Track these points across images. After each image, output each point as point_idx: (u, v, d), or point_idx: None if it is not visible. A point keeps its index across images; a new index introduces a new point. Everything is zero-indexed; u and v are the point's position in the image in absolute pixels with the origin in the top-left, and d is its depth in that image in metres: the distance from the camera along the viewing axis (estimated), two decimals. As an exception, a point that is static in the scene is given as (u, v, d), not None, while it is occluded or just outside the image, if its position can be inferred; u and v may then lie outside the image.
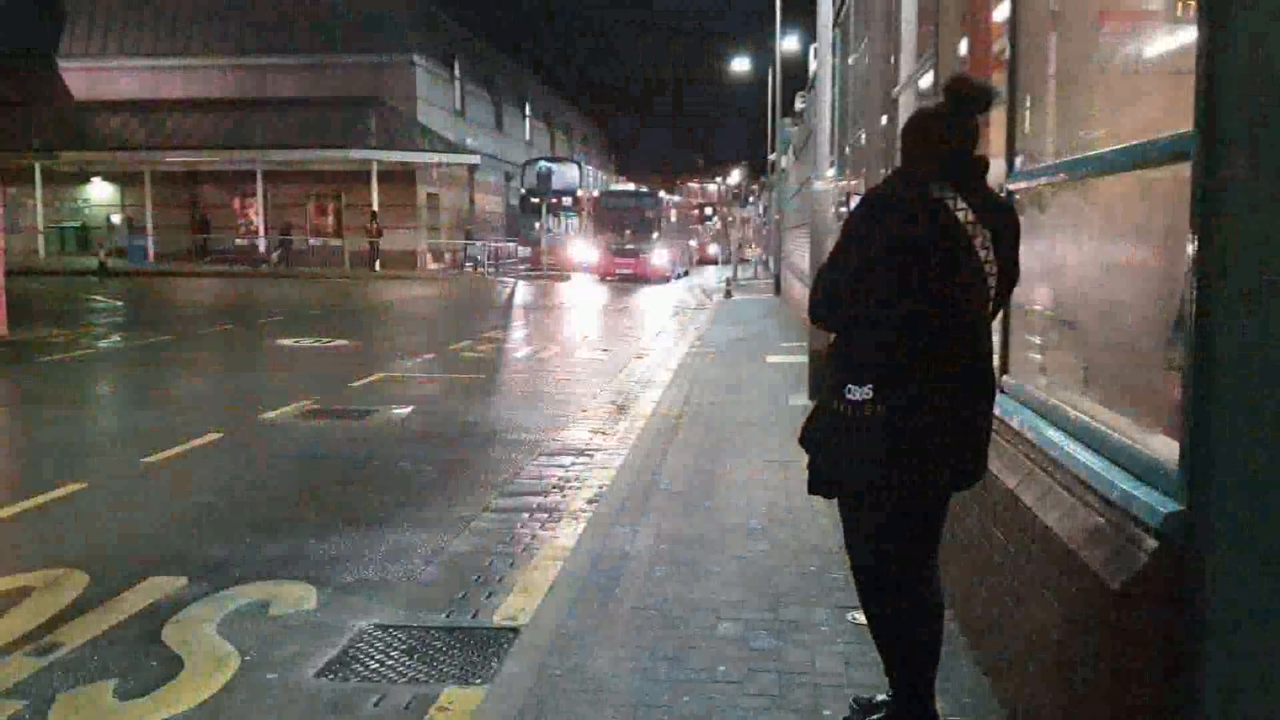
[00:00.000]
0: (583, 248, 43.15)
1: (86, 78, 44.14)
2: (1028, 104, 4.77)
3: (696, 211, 74.55)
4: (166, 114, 41.92)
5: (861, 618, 4.03)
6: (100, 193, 45.37)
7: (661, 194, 46.11)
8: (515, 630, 4.96)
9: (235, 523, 6.90)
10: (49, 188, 42.08)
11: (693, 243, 65.75)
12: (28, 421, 10.70)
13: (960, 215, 3.33)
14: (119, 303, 26.13)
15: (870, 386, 3.30)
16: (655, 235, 41.40)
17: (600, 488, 7.68)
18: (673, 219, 46.95)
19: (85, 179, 44.87)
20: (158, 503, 7.45)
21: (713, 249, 64.98)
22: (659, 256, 41.27)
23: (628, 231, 40.78)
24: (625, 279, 39.49)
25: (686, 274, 47.45)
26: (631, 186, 48.21)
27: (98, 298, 27.19)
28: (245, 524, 6.86)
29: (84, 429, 10.20)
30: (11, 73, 42.57)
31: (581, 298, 31.21)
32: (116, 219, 44.20)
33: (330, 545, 6.41)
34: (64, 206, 45.06)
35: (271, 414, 10.63)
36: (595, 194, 44.57)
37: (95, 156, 41.49)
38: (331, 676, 4.51)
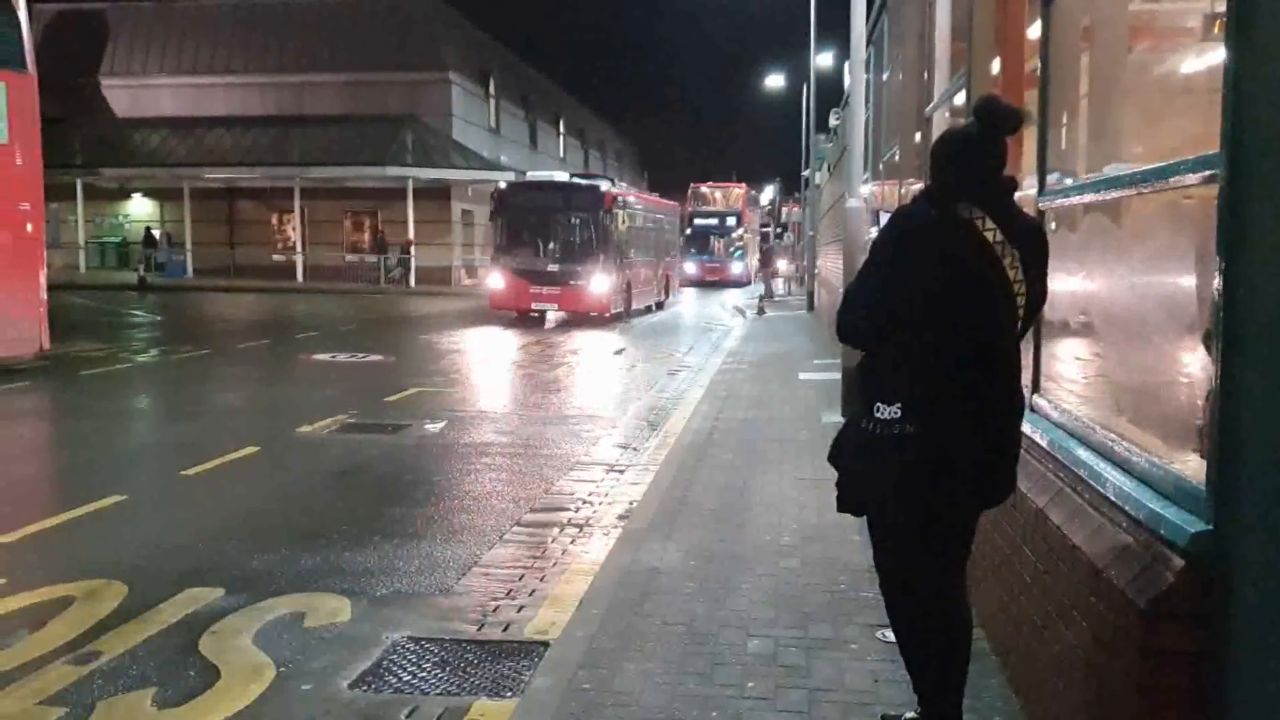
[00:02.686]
0: (495, 275, 26.36)
1: (128, 95, 44.79)
2: (1060, 122, 4.78)
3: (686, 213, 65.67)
4: (206, 131, 42.45)
5: (891, 635, 4.04)
6: (140, 208, 46.01)
7: (605, 185, 27.59)
8: (545, 644, 5.00)
9: (271, 535, 6.98)
10: (90, 203, 42.72)
11: (683, 261, 53.55)
12: (69, 434, 10.85)
13: (989, 235, 3.36)
14: (158, 317, 26.46)
15: (899, 405, 3.33)
16: (597, 250, 25.87)
17: (630, 503, 7.71)
18: (639, 224, 30.55)
19: (126, 195, 45.55)
20: (195, 515, 7.54)
21: (736, 267, 54.55)
22: (597, 282, 25.48)
23: (551, 244, 25.99)
24: (532, 323, 25.56)
25: (659, 306, 32.98)
26: (560, 175, 29.31)
27: (137, 312, 27.54)
28: (281, 536, 6.94)
29: (124, 442, 10.34)
30: (55, 90, 43.24)
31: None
32: (156, 234, 44.76)
33: (364, 558, 6.48)
34: (105, 222, 45.75)
35: (307, 428, 10.74)
36: (501, 184, 27.96)
37: (136, 173, 42.07)
38: (365, 688, 4.56)
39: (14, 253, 14.27)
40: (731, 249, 55.18)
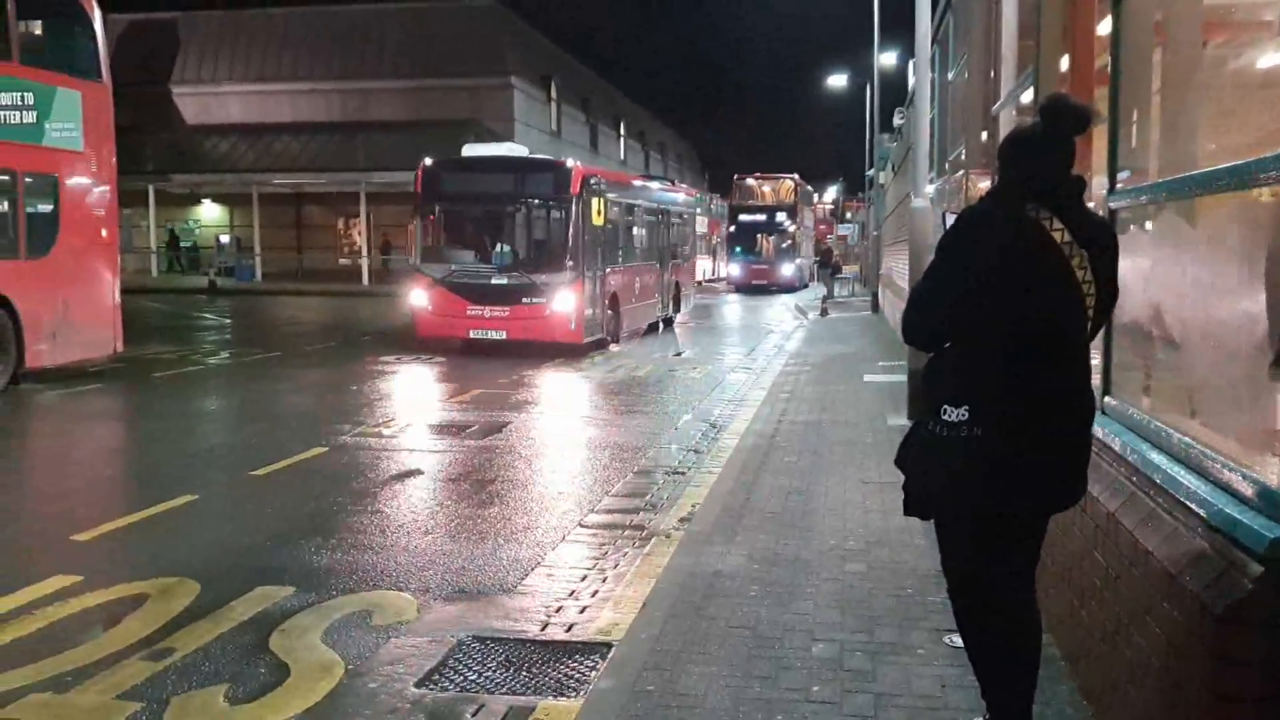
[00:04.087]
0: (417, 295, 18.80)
1: (198, 102, 45.67)
2: (1131, 120, 4.70)
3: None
4: (274, 137, 43.16)
5: (958, 640, 4.00)
6: (210, 213, 46.91)
7: (574, 162, 19.08)
8: (609, 645, 5.01)
9: (339, 534, 7.07)
10: (162, 209, 43.63)
11: (727, 263, 50.13)
12: (142, 435, 11.08)
13: (1057, 235, 3.31)
14: (227, 320, 26.95)
15: (966, 408, 3.30)
16: (565, 252, 18.27)
17: (693, 506, 7.70)
18: (630, 216, 22.68)
19: (196, 200, 46.46)
20: (265, 514, 7.67)
21: (787, 269, 47.83)
22: (563, 299, 18.05)
23: (498, 247, 18.87)
24: (472, 357, 17.80)
25: (666, 325, 25.04)
26: (512, 148, 21.30)
27: (207, 316, 28.07)
28: (349, 535, 7.03)
29: (195, 442, 10.54)
30: (128, 99, 44.25)
31: (678, 315, 31.22)
32: (225, 239, 45.62)
33: (429, 557, 6.54)
34: (177, 228, 46.73)
35: (373, 428, 10.87)
36: (427, 162, 19.18)
37: (205, 179, 42.93)
38: (431, 686, 4.61)
39: (90, 258, 14.61)
40: (781, 248, 48.51)
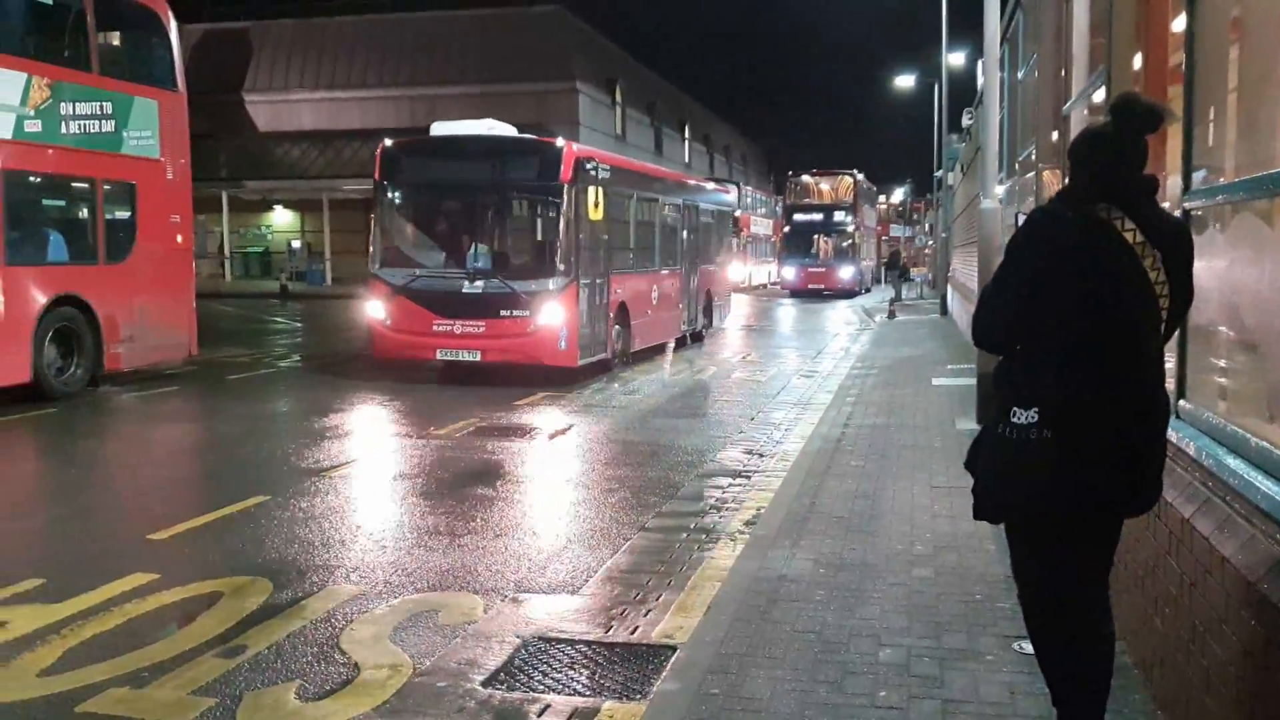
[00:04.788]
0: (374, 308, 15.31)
1: (270, 110, 46.46)
2: (1207, 119, 4.61)
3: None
4: (344, 143, 43.77)
5: (1029, 647, 3.95)
6: (281, 219, 47.74)
7: (564, 143, 15.10)
8: (673, 649, 5.01)
9: (407, 534, 7.16)
10: (234, 215, 44.50)
11: (781, 266, 47.20)
12: (216, 436, 11.30)
13: (1129, 236, 3.26)
14: (298, 324, 27.39)
15: (1036, 410, 3.25)
16: (555, 253, 15.01)
17: (758, 509, 7.68)
18: (644, 211, 19.09)
19: (268, 206, 47.32)
20: (336, 514, 7.78)
21: (846, 272, 45.05)
22: (551, 311, 14.57)
23: (471, 247, 15.53)
24: (459, 373, 15.37)
25: (694, 339, 21.92)
26: (490, 126, 16.16)
27: (279, 319, 28.54)
28: (416, 535, 7.11)
29: (267, 443, 10.72)
30: (202, 107, 45.19)
31: (737, 317, 31.19)
32: (296, 244, 46.39)
33: (496, 558, 6.60)
34: (248, 232, 47.63)
35: (441, 430, 10.99)
36: (386, 144, 15.73)
37: (277, 185, 43.70)
38: (498, 686, 4.65)
39: (165, 263, 14.93)
40: (839, 250, 45.79)
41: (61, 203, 14.20)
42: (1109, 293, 3.27)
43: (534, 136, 16.65)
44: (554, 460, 9.88)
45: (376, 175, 15.43)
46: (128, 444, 11.07)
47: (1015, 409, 3.30)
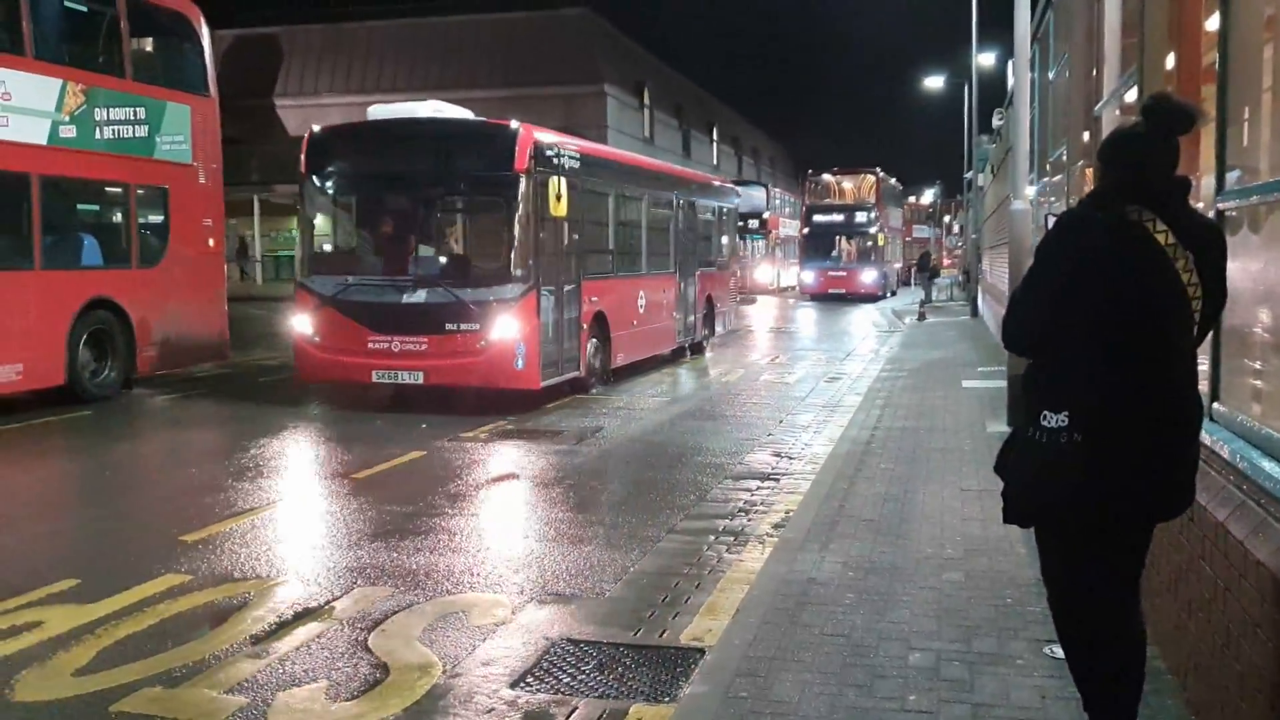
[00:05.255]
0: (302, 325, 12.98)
1: (300, 114, 46.70)
2: (1241, 119, 4.56)
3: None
4: (374, 147, 43.96)
5: (1059, 651, 3.92)
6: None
7: (518, 124, 12.64)
8: (702, 651, 5.01)
9: (436, 536, 7.18)
10: (265, 219, 44.82)
11: (801, 269, 44.16)
12: (247, 438, 11.36)
13: (1160, 238, 3.23)
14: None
15: (1066, 414, 3.23)
16: (509, 257, 12.51)
17: (787, 512, 7.66)
18: (622, 207, 16.42)
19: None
20: (365, 516, 7.82)
21: (868, 275, 42.76)
22: (505, 325, 12.25)
23: (412, 250, 13.69)
24: (401, 398, 13.58)
25: (694, 350, 19.88)
26: (435, 107, 13.91)
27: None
28: (446, 537, 7.13)
29: (297, 446, 10.79)
30: (234, 111, 45.57)
31: (768, 320, 31.14)
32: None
33: (524, 560, 6.61)
34: (279, 236, 47.95)
35: (468, 434, 11.02)
36: (314, 130, 13.59)
37: (308, 189, 43.96)
38: (526, 687, 4.66)
39: (198, 266, 15.07)
40: (861, 252, 43.44)
41: (95, 207, 14.37)
42: (1139, 295, 3.24)
43: (483, 119, 13.87)
44: (582, 463, 9.88)
45: (303, 168, 13.25)
46: (160, 446, 11.18)
47: (1045, 412, 3.28)
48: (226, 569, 6.43)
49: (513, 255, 12.46)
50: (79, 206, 14.04)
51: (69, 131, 12.73)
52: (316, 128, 13.53)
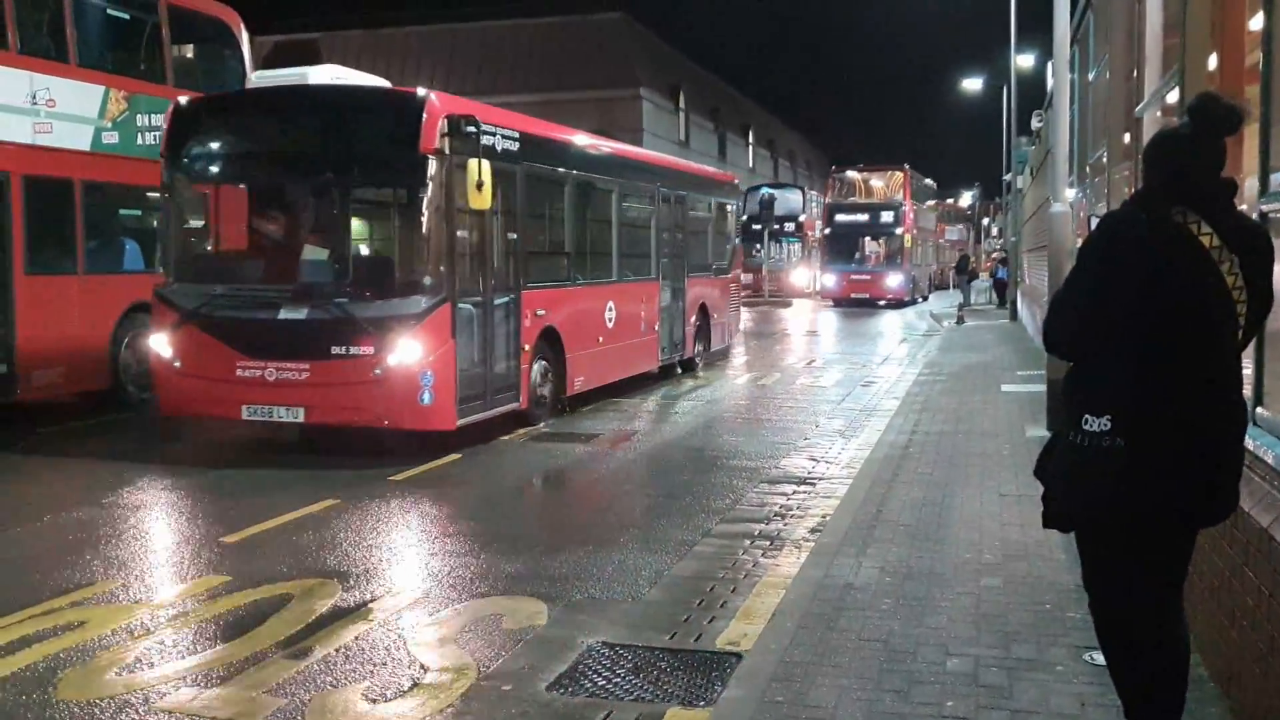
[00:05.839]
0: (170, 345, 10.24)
1: (338, 121, 47.17)
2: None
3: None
4: (410, 152, 44.19)
5: (1100, 658, 3.87)
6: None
7: (425, 92, 9.84)
8: (738, 655, 4.99)
9: (472, 539, 7.21)
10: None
11: (822, 272, 41.50)
12: (285, 441, 11.45)
13: (1205, 240, 3.19)
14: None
15: (1108, 418, 3.20)
16: (415, 260, 10.21)
17: (823, 517, 7.63)
18: (579, 198, 13.55)
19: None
20: (402, 518, 7.86)
21: (894, 279, 40.13)
22: (408, 348, 9.50)
23: (295, 253, 10.88)
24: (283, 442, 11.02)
25: (684, 367, 17.23)
26: (337, 71, 11.44)
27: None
28: (482, 540, 7.16)
29: (335, 448, 10.84)
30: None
31: (803, 323, 31.05)
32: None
33: (560, 564, 6.62)
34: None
35: (505, 437, 11.05)
36: (180, 104, 10.72)
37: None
38: (562, 691, 4.66)
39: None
40: (887, 254, 40.69)
41: (137, 212, 14.51)
42: (1183, 298, 3.20)
43: (382, 87, 11.28)
44: (619, 468, 9.87)
45: (164, 148, 10.67)
46: (203, 448, 11.27)
47: (1087, 416, 3.25)
48: (266, 570, 6.46)
49: (419, 259, 10.07)
50: (120, 212, 14.20)
51: (111, 138, 12.89)
52: (182, 100, 10.83)
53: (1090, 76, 13.23)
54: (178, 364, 10.19)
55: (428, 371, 9.59)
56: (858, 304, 38.87)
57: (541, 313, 11.80)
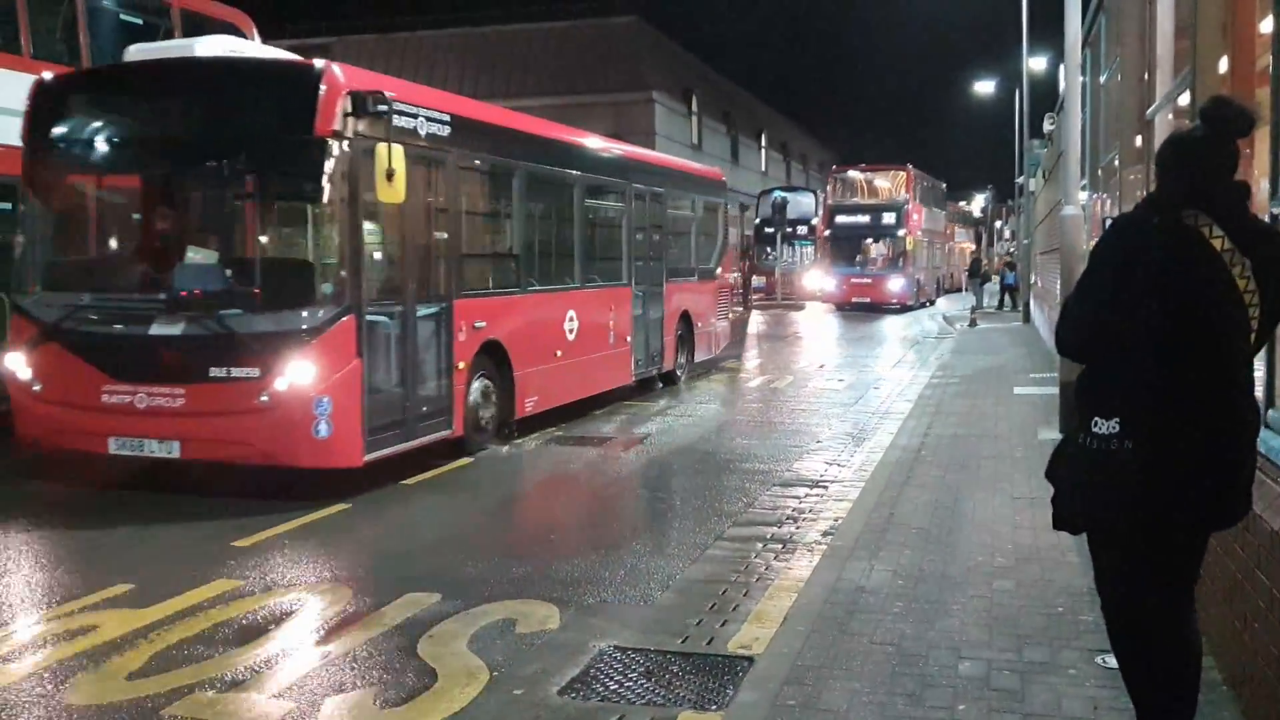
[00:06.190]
0: None
1: (352, 124, 47.27)
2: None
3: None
4: (423, 156, 44.22)
5: (1112, 661, 3.87)
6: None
7: (324, 64, 8.42)
8: (750, 659, 4.99)
9: (485, 543, 7.23)
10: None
11: (823, 275, 39.52)
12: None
13: (1217, 243, 3.18)
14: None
15: (1118, 420, 3.20)
16: (305, 257, 9.28)
17: (835, 520, 7.62)
18: (529, 188, 11.74)
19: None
20: (414, 522, 7.88)
21: (895, 283, 38.12)
22: (297, 370, 7.96)
23: (161, 235, 9.21)
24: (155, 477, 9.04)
25: (665, 381, 15.74)
26: (225, 43, 9.66)
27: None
28: (494, 544, 7.18)
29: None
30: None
31: (816, 327, 31.01)
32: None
33: (572, 567, 6.63)
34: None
35: (519, 440, 11.07)
36: (45, 79, 8.96)
37: (359, 198, 44.37)
38: (574, 695, 4.67)
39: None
40: (890, 257, 39.03)
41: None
42: (1193, 301, 3.20)
43: (275, 58, 9.86)
44: (633, 470, 9.87)
45: (24, 132, 9.01)
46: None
47: (1097, 418, 3.25)
48: (277, 574, 6.50)
49: (316, 262, 8.72)
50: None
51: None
52: (46, 76, 9.22)
53: (1102, 79, 13.19)
54: (37, 387, 8.61)
55: (324, 398, 8.04)
56: (860, 308, 37.49)
57: (481, 324, 10.21)
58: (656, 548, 7.11)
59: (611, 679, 4.84)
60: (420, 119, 9.35)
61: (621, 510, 8.29)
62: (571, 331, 12.39)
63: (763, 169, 62.22)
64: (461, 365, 9.83)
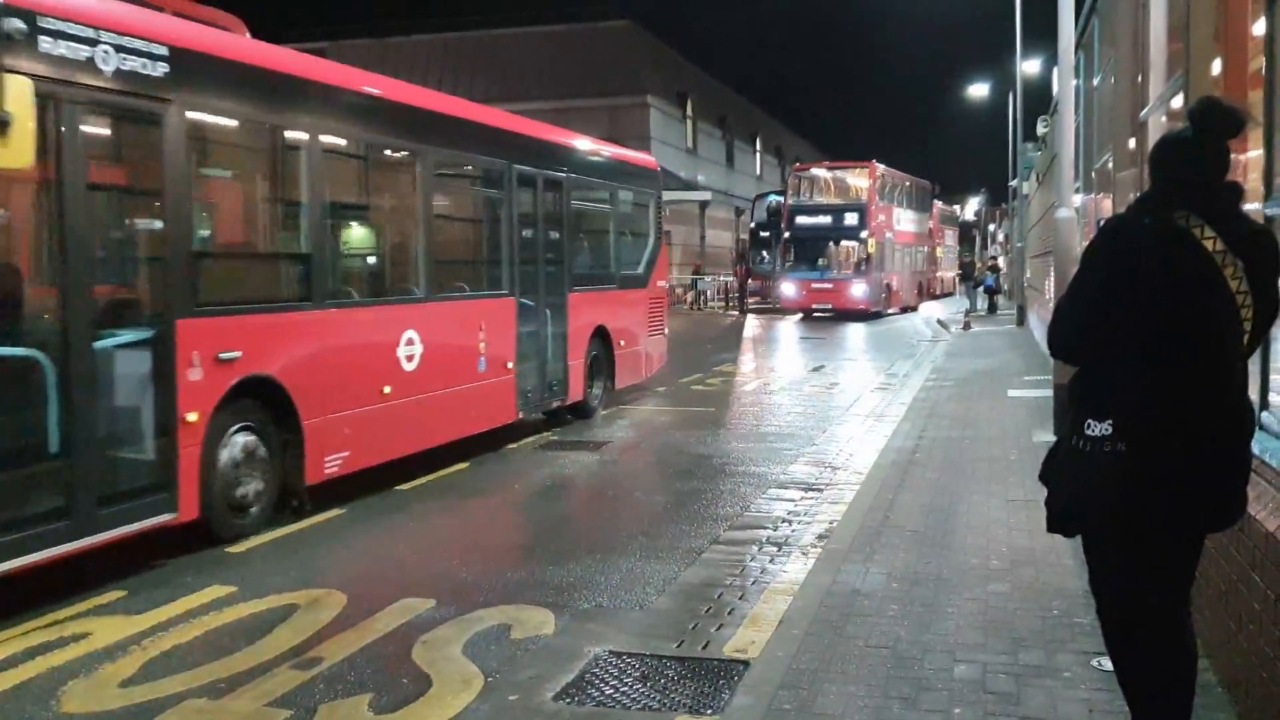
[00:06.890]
0: None
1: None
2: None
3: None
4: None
5: (1108, 663, 3.86)
6: (359, 236, 48.60)
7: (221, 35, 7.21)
8: (745, 663, 4.98)
9: (480, 548, 7.21)
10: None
11: (780, 280, 37.05)
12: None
13: (1209, 244, 3.18)
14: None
15: (1110, 422, 3.19)
16: None
17: (830, 523, 7.61)
18: (394, 172, 9.99)
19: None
20: (410, 528, 7.86)
21: (858, 288, 35.34)
22: None
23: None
24: None
25: (575, 412, 12.67)
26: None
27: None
28: (489, 549, 7.17)
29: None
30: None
31: (810, 331, 30.99)
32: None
33: (567, 572, 6.61)
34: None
35: (514, 445, 11.06)
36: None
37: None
38: (569, 700, 4.65)
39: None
40: (852, 260, 36.12)
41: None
42: (1185, 302, 3.20)
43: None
44: (625, 474, 9.84)
45: None
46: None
47: (1089, 421, 3.24)
48: (272, 580, 6.46)
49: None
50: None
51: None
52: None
53: (1095, 82, 13.22)
54: None
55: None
56: (819, 315, 35.41)
57: (233, 355, 7.20)
58: (652, 551, 7.10)
59: (607, 684, 4.83)
60: (99, 48, 6.17)
61: (614, 513, 8.26)
62: (411, 359, 9.28)
63: (757, 173, 62.33)
64: (191, 418, 6.84)
